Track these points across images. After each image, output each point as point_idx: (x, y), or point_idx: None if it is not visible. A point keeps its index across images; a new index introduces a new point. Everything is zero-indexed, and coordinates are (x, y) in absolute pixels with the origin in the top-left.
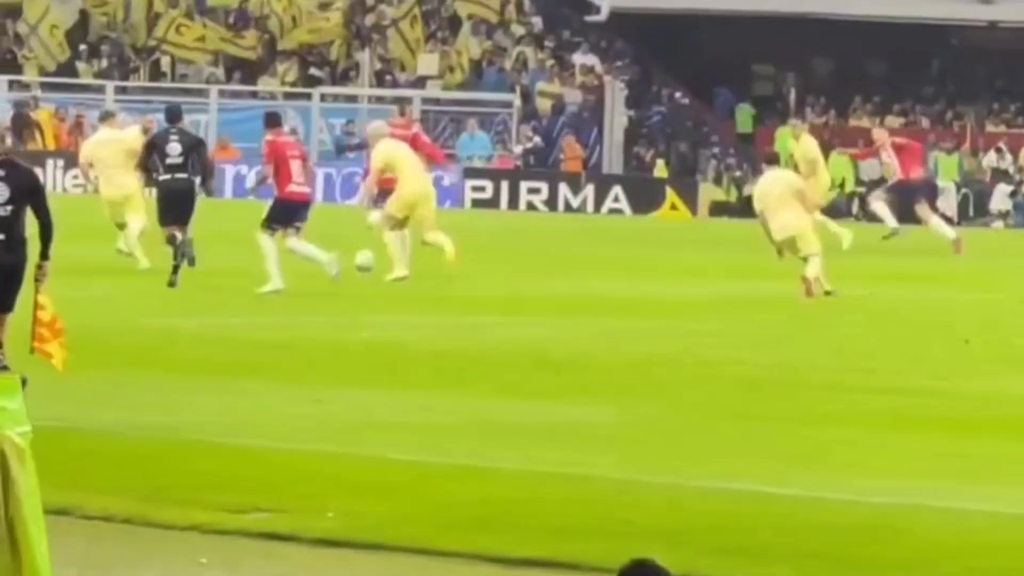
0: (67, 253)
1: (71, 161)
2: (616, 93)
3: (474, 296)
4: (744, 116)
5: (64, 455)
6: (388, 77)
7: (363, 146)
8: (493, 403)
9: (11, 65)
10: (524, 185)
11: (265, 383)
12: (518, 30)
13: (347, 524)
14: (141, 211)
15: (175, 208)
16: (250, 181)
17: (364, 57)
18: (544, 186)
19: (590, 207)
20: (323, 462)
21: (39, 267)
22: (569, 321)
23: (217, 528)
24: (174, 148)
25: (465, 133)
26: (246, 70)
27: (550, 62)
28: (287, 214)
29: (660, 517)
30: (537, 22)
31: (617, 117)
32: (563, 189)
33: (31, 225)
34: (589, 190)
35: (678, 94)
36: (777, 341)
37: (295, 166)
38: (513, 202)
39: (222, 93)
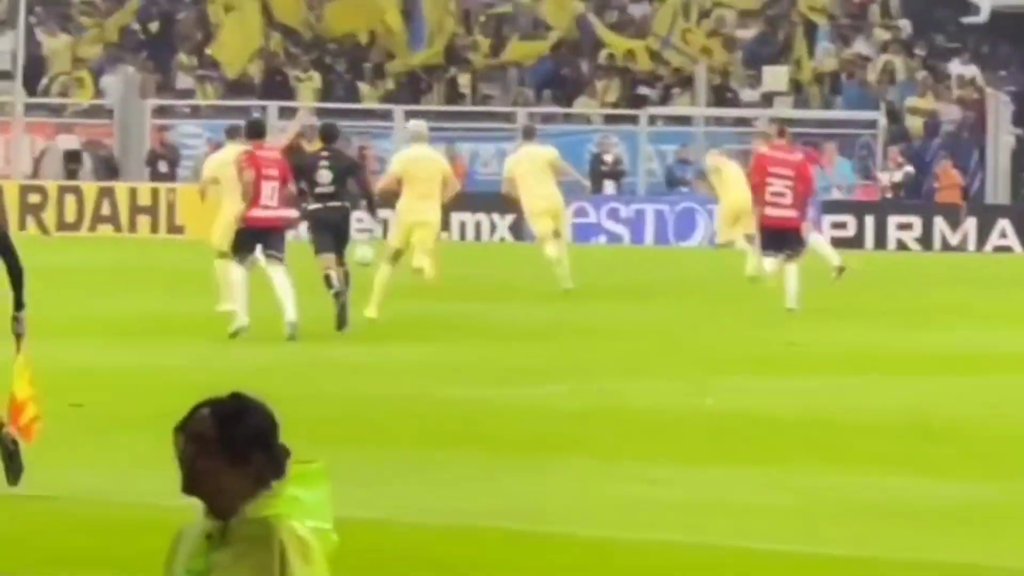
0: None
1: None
2: (1000, 108)
3: (833, 352)
4: None
5: (351, 548)
6: (728, 94)
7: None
8: (868, 479)
9: (283, 87)
10: (892, 220)
11: (584, 460)
12: (882, 36)
13: None
14: None
15: (328, 239)
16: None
17: (699, 71)
18: (917, 220)
19: (971, 244)
20: (661, 552)
21: (15, 319)
22: (949, 380)
23: None
24: (324, 176)
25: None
26: (558, 87)
27: (921, 73)
28: (252, 242)
29: None
30: (905, 26)
31: (1002, 137)
32: (939, 224)
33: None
34: (970, 224)
35: None
36: None
37: (266, 188)
38: (880, 240)
39: (532, 117)
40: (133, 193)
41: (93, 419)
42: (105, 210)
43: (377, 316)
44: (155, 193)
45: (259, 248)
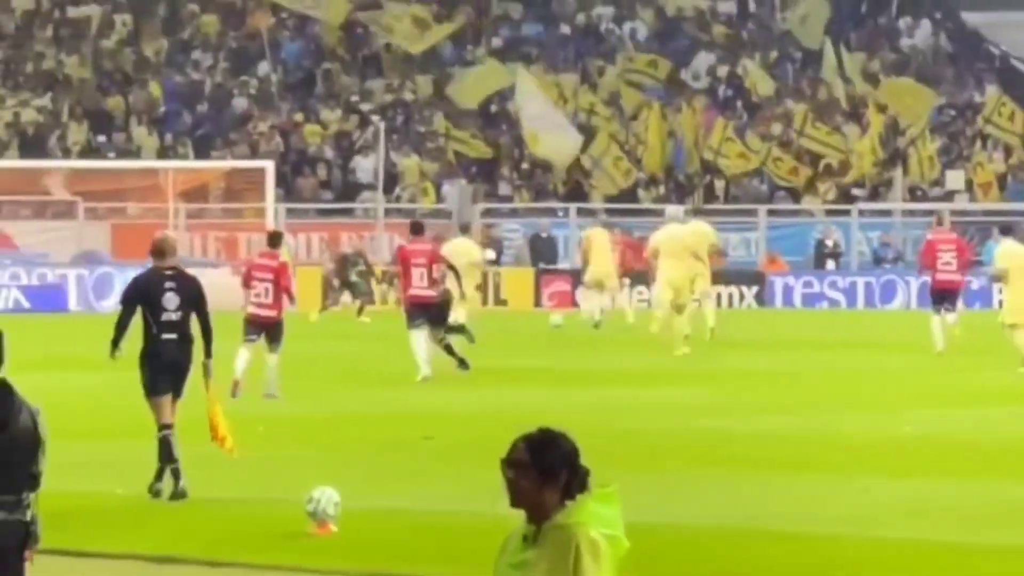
0: (623, 366)
1: (636, 280)
2: None
3: (993, 387)
4: None
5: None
6: (919, 192)
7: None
8: None
9: (578, 192)
10: None
11: (812, 475)
12: None
13: None
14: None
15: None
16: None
17: (897, 175)
18: None
19: None
20: (879, 545)
21: (204, 365)
22: None
23: None
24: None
25: (991, 240)
26: (790, 190)
27: None
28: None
29: None
30: None
31: None
32: None
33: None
34: None
35: None
36: None
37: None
38: None
39: (770, 212)
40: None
41: (440, 448)
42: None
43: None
44: (484, 275)
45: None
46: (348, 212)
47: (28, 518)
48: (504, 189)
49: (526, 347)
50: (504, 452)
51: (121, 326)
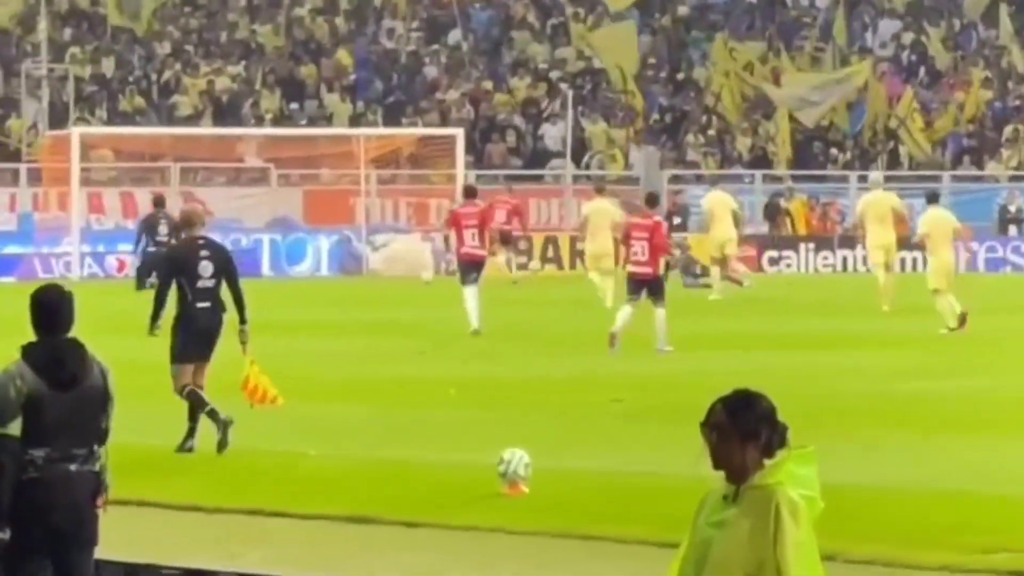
0: (813, 327)
1: (821, 244)
2: None
3: None
4: None
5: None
6: None
7: None
8: None
9: (763, 160)
10: None
11: (1005, 436)
12: None
13: None
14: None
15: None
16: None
17: None
18: None
19: None
20: None
21: (241, 331)
22: None
23: (965, 568)
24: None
25: None
26: (973, 155)
27: None
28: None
29: None
30: None
31: None
32: None
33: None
34: None
35: None
36: None
37: (636, 244)
38: None
39: (953, 179)
40: None
41: (629, 411)
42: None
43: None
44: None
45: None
46: (537, 179)
47: (98, 469)
48: (691, 155)
49: (713, 311)
50: (700, 416)
51: (160, 301)
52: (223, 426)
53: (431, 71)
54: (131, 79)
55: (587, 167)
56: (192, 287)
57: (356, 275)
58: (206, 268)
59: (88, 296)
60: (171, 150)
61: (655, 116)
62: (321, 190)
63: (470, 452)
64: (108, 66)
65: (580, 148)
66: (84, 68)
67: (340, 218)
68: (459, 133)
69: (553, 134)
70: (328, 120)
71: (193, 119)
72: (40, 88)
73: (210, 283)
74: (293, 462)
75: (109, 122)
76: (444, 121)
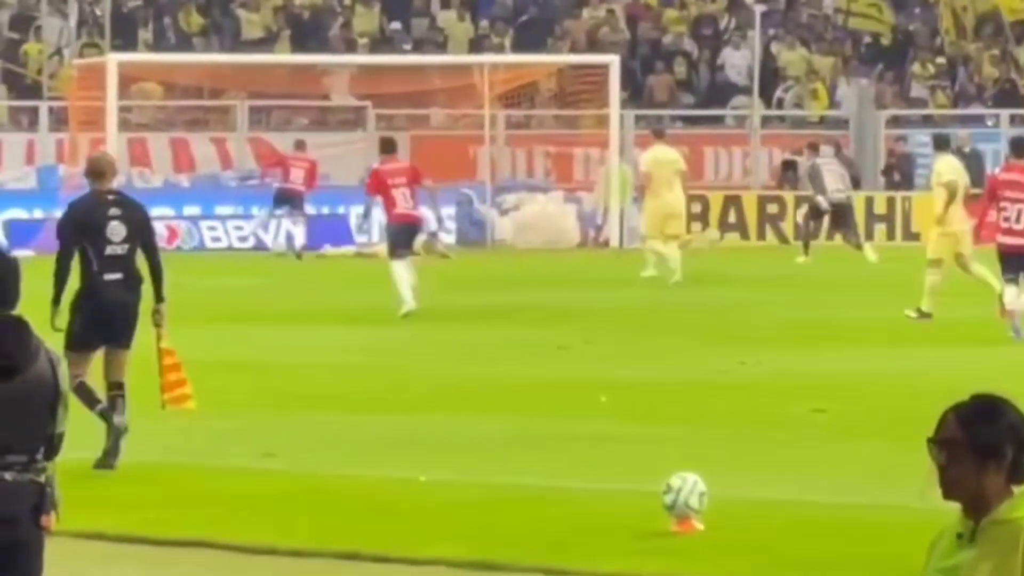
0: None
1: None
2: None
3: None
4: None
5: None
6: None
7: None
8: None
9: (1010, 97)
10: None
11: None
12: None
13: None
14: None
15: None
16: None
17: None
18: None
19: None
20: None
21: (156, 311)
22: None
23: None
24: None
25: None
26: None
27: None
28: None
29: None
30: None
31: None
32: None
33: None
34: None
35: None
36: None
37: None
38: None
39: None
40: (870, 202)
41: (834, 424)
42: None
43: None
44: (891, 202)
45: None
46: (715, 121)
47: (43, 480)
48: (916, 90)
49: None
50: (930, 430)
51: (62, 274)
52: (115, 434)
53: None
54: None
55: (779, 105)
56: (99, 254)
57: (479, 246)
58: (117, 231)
59: None
60: (237, 84)
61: (867, 39)
62: (433, 136)
63: (627, 478)
64: None
65: (771, 81)
66: None
67: (458, 173)
68: (613, 61)
69: (736, 62)
70: (441, 45)
71: (266, 43)
72: (66, 2)
73: (121, 249)
74: (399, 490)
75: (156, 47)
76: (593, 46)
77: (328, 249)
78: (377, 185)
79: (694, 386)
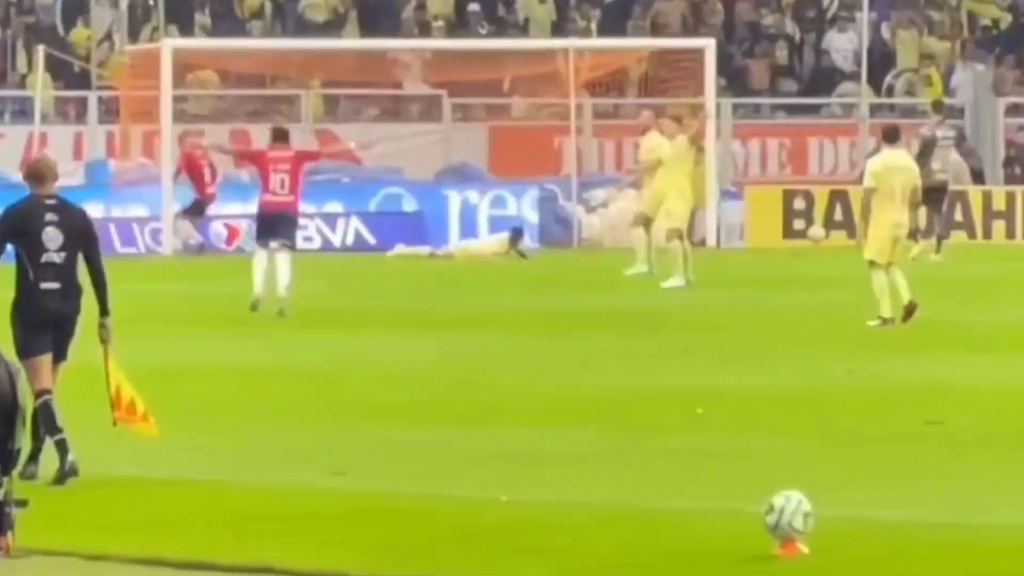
0: None
1: None
2: None
3: None
4: None
5: None
6: None
7: None
8: None
9: None
10: None
11: None
12: None
13: None
14: None
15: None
16: None
17: None
18: None
19: None
20: None
21: (101, 326)
22: None
23: None
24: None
25: None
26: None
27: None
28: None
29: None
30: None
31: None
32: None
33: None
34: None
35: None
36: None
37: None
38: None
39: None
40: (987, 196)
41: (952, 437)
42: (957, 215)
43: None
44: (1011, 197)
45: None
46: (819, 110)
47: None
48: None
49: None
50: None
51: None
52: (63, 473)
53: None
54: None
55: (889, 92)
56: (34, 261)
57: (564, 246)
58: (53, 237)
59: (182, 278)
60: (301, 72)
61: (984, 22)
62: (513, 127)
63: (726, 496)
64: None
65: (881, 66)
66: None
67: (541, 166)
68: (709, 45)
69: (842, 46)
70: (522, 28)
71: (332, 27)
72: None
73: (58, 257)
74: (479, 511)
75: (213, 33)
76: (686, 28)
77: (401, 249)
78: (254, 161)
79: (798, 396)
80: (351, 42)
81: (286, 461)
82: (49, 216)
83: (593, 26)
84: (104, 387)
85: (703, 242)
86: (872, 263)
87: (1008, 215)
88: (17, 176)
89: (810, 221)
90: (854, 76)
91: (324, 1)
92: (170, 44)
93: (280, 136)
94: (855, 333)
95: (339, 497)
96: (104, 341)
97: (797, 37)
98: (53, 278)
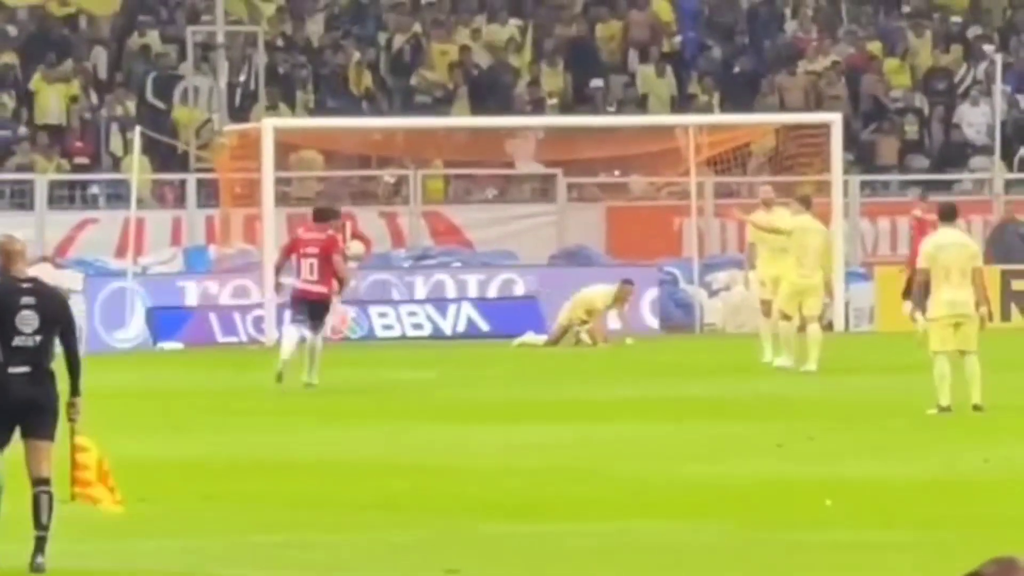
0: None
1: None
2: None
3: None
4: None
5: None
6: None
7: None
8: None
9: None
10: None
11: None
12: None
13: None
14: None
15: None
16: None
17: None
18: None
19: None
20: None
21: (71, 404)
22: None
23: None
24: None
25: None
26: None
27: None
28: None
29: None
30: None
31: None
32: None
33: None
34: None
35: None
36: None
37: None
38: None
39: None
40: None
41: None
42: None
43: None
44: None
45: None
46: (951, 186)
47: None
48: None
49: None
50: None
51: None
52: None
53: (791, 27)
54: (346, 43)
55: (1022, 167)
56: (6, 345)
57: (686, 332)
58: (28, 320)
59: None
60: (408, 151)
61: None
62: (632, 207)
63: None
64: (315, 26)
65: (1015, 139)
66: (277, 27)
67: (660, 248)
68: (836, 120)
69: (974, 119)
70: (640, 104)
71: (441, 104)
72: (211, 61)
73: (32, 341)
74: None
75: (316, 111)
76: (810, 102)
77: (530, 336)
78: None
79: (931, 486)
80: (461, 120)
81: (395, 558)
82: (25, 299)
83: (715, 101)
84: (67, 463)
85: (830, 326)
86: (935, 352)
87: None
88: (115, 263)
89: None
90: (987, 150)
91: (432, 75)
92: (271, 123)
93: (320, 216)
94: (989, 419)
95: None
96: (71, 419)
97: (926, 111)
98: (22, 362)
